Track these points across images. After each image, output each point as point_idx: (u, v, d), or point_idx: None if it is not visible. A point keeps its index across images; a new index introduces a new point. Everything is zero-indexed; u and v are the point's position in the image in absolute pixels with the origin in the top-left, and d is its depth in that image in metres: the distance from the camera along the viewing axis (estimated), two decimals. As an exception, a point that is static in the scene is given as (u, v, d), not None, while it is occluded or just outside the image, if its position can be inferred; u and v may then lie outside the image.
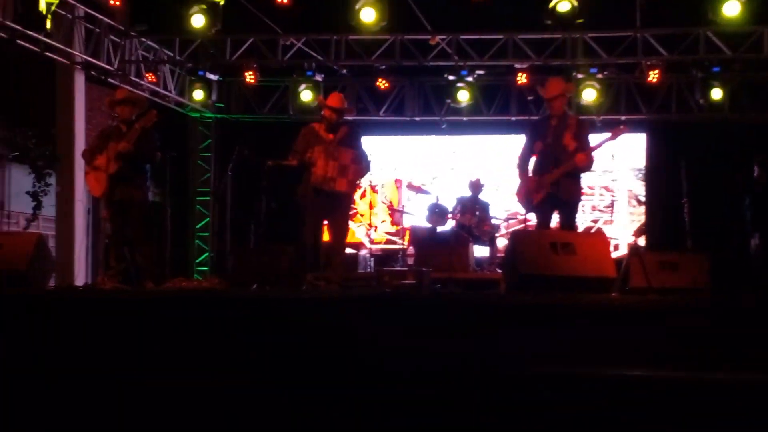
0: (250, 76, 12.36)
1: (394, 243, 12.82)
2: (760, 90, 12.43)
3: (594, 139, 7.33)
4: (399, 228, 12.91)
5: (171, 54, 12.65)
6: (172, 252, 8.62)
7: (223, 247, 11.42)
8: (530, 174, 7.44)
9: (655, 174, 12.95)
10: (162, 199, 9.32)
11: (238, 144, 8.54)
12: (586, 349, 4.76)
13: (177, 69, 13.09)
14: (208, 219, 14.18)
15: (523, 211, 8.17)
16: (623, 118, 12.83)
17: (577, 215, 7.56)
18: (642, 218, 13.13)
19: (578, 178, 7.41)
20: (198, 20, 10.43)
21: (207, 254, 14.10)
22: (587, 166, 7.26)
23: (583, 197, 12.82)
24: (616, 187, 13.23)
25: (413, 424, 4.82)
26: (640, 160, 13.25)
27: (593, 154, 7.20)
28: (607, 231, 12.28)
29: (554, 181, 7.21)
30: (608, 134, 7.33)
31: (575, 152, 7.14)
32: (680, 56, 11.51)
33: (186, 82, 13.32)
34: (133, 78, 12.14)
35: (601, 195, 13.22)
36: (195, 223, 14.23)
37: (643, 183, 13.22)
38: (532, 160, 7.49)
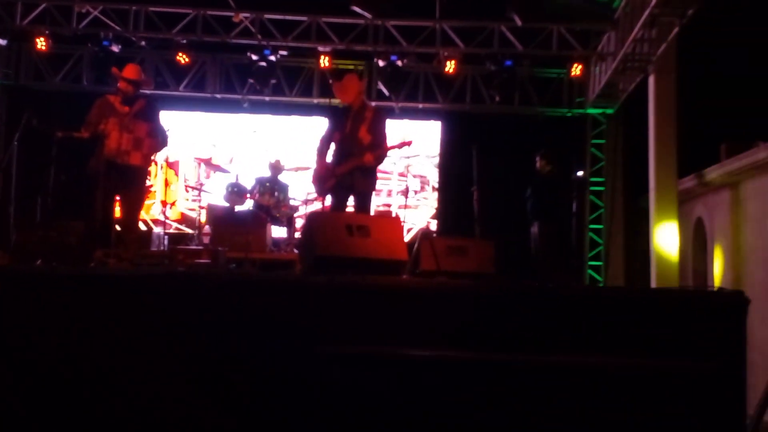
0: (41, 43, 11.78)
1: (190, 221, 12.60)
2: (548, 85, 13.15)
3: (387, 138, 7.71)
4: (196, 206, 12.70)
5: (-46, 14, 11.86)
6: (-51, 224, 8.09)
7: (7, 220, 10.83)
8: (328, 160, 7.70)
9: (448, 161, 13.38)
10: (-61, 168, 8.74)
11: (26, 113, 8.09)
12: (379, 329, 4.90)
13: (-40, 30, 12.26)
14: (-9, 190, 13.40)
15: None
16: (420, 105, 13.23)
17: (371, 202, 7.84)
18: (435, 204, 13.54)
19: (373, 171, 7.71)
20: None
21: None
22: (374, 165, 7.62)
23: (379, 182, 13.22)
24: (412, 173, 13.57)
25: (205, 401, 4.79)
26: (435, 147, 13.65)
27: (384, 151, 7.59)
28: (402, 216, 12.61)
29: (344, 172, 7.51)
30: (396, 144, 7.68)
31: (369, 146, 7.49)
32: (475, 49, 11.97)
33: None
34: None
35: (398, 180, 13.52)
36: (-24, 195, 13.41)
37: (437, 170, 13.62)
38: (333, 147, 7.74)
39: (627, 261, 12.82)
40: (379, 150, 7.56)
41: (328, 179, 7.62)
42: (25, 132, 7.97)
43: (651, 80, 10.89)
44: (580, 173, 10.76)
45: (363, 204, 7.65)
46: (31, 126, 7.93)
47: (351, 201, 7.69)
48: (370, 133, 7.54)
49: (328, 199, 7.90)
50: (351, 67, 12.58)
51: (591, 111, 13.25)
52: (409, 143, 7.81)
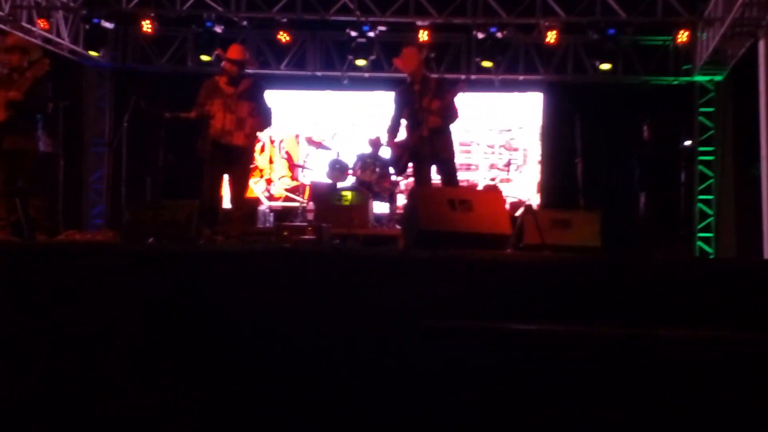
0: (147, 26, 12.07)
1: (294, 198, 12.79)
2: (653, 53, 12.81)
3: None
4: (299, 183, 12.88)
5: (65, 0, 12.24)
6: (66, 204, 8.42)
7: (118, 200, 11.20)
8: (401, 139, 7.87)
9: (551, 133, 13.22)
10: (55, 149, 9.08)
11: (134, 94, 8.35)
12: (482, 303, 4.88)
13: (71, 16, 12.66)
14: (102, 171, 13.87)
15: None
16: (521, 77, 13.07)
17: (455, 168, 7.94)
18: (538, 176, 13.40)
19: (448, 134, 7.75)
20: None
21: (101, 207, 13.80)
22: (442, 125, 7.60)
23: (481, 156, 13.14)
24: (514, 146, 13.46)
25: (307, 383, 4.86)
26: (537, 119, 13.50)
27: (453, 109, 7.63)
28: (505, 189, 12.51)
29: (415, 142, 7.59)
30: (455, 91, 7.71)
31: (436, 111, 7.55)
32: (577, 18, 11.74)
33: (80, 29, 12.90)
34: (24, 24, 11.68)
35: (499, 154, 13.43)
36: (89, 175, 13.89)
37: (540, 142, 13.47)
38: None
39: (738, 232, 12.43)
40: (446, 111, 7.58)
41: (401, 157, 7.69)
42: (133, 114, 8.22)
43: (761, 45, 10.47)
44: (687, 142, 10.48)
45: (448, 171, 7.69)
46: (139, 108, 8.17)
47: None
48: (437, 99, 7.59)
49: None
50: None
51: (698, 78, 12.84)
52: (462, 86, 7.86)
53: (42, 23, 11.86)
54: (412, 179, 11.78)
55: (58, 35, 12.40)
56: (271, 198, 11.73)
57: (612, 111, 12.38)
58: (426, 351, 4.76)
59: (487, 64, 12.19)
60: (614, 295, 4.84)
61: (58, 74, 7.66)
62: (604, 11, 11.55)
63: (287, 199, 13.15)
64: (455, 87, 7.73)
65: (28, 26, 11.73)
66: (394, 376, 4.82)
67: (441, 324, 4.75)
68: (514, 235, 6.88)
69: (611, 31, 11.67)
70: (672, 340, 4.73)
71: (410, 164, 7.89)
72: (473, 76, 12.78)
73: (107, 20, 12.02)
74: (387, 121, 8.01)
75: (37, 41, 11.37)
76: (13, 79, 7.37)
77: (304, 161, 12.69)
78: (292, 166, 13.27)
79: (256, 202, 11.88)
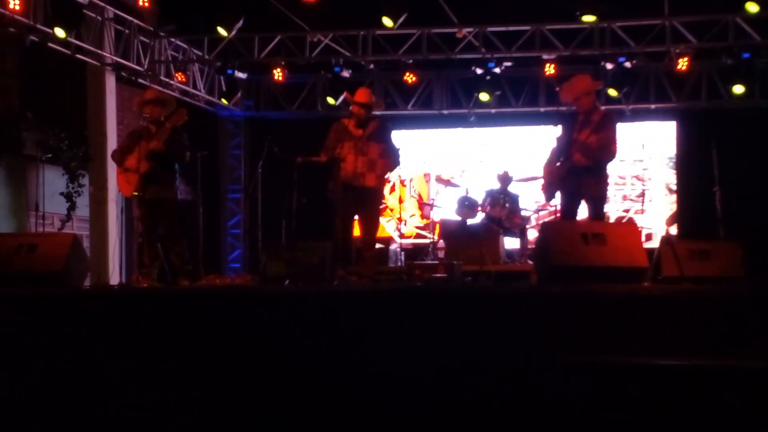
0: (278, 74, 12.42)
1: (425, 237, 12.83)
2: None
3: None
4: (429, 221, 12.92)
5: (200, 53, 12.75)
6: (205, 250, 8.70)
7: (255, 244, 11.50)
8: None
9: (686, 162, 12.87)
10: (193, 197, 9.42)
11: (267, 141, 8.61)
12: (619, 338, 4.77)
13: (206, 68, 13.19)
14: (239, 216, 14.32)
15: (552, 201, 8.31)
16: (653, 106, 12.80)
17: (605, 206, 7.69)
18: (673, 207, 13.05)
19: (600, 172, 7.46)
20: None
21: (239, 251, 14.24)
22: (586, 164, 7.29)
23: (615, 187, 12.87)
24: (647, 176, 13.16)
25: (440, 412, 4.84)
26: (671, 148, 13.16)
27: (610, 147, 7.30)
28: (639, 220, 12.22)
29: (564, 174, 7.40)
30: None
31: (589, 148, 7.26)
32: (709, 43, 11.42)
33: (215, 81, 13.41)
34: (163, 78, 12.25)
35: (632, 184, 13.15)
36: (227, 221, 14.37)
37: (674, 171, 13.13)
38: None
39: None
40: (601, 148, 7.29)
41: (552, 184, 7.58)
42: (267, 159, 8.46)
43: None
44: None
45: (596, 209, 7.45)
46: (273, 153, 8.40)
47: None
48: (596, 134, 7.32)
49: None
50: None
51: (840, 98, 12.26)
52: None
53: (179, 76, 12.40)
54: (542, 213, 11.72)
55: (194, 87, 12.93)
56: (401, 237, 11.80)
57: (749, 136, 11.97)
58: (562, 386, 4.68)
59: (612, 93, 11.97)
60: (761, 328, 4.64)
61: (195, 124, 7.96)
62: (737, 35, 11.19)
63: (418, 236, 13.21)
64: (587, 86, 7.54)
65: (166, 80, 12.28)
66: (534, 413, 4.74)
67: (580, 360, 4.66)
68: (651, 268, 6.69)
69: (746, 55, 11.29)
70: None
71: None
72: (603, 107, 12.58)
73: (240, 70, 12.44)
74: (544, 144, 7.94)
75: (175, 93, 11.87)
76: (152, 131, 7.71)
77: (434, 199, 12.73)
78: (422, 205, 13.33)
79: (388, 241, 11.97)
